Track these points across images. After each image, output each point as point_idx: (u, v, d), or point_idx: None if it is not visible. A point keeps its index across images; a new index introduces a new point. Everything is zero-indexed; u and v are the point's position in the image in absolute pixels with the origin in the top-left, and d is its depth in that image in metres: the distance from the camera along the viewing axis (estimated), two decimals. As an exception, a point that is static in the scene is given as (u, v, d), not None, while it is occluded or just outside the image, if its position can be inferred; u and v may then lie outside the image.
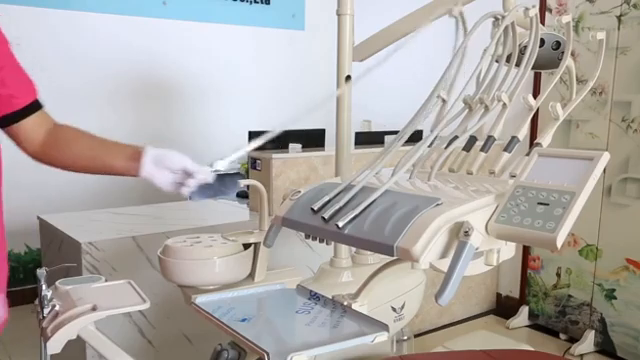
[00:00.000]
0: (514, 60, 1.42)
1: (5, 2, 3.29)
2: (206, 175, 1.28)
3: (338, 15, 1.80)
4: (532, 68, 1.40)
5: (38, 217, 2.49)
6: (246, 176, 3.02)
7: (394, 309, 1.77)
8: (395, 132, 1.50)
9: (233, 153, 1.28)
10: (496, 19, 1.40)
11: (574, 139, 3.06)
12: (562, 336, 3.22)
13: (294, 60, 4.22)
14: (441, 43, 3.68)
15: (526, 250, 3.37)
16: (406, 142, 1.37)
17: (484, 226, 1.04)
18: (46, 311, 1.27)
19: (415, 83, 1.51)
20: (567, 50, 1.44)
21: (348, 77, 1.81)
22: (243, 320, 1.23)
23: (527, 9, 1.39)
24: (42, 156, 1.30)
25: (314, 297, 1.38)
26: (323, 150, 2.88)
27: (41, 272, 1.29)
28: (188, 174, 1.27)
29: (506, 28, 1.41)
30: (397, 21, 1.93)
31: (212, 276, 1.44)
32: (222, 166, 1.27)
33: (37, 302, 1.29)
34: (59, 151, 1.30)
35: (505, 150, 1.35)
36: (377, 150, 1.49)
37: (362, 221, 1.11)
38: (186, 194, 1.29)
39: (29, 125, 1.25)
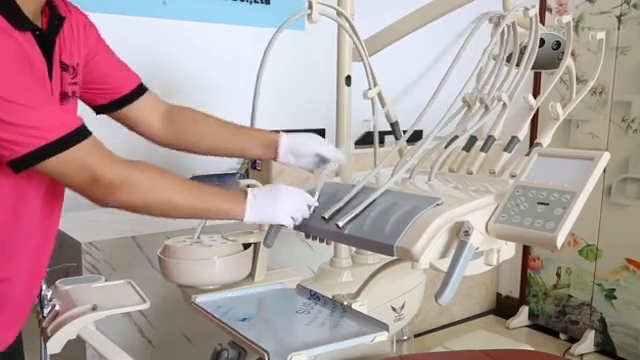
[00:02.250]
0: (514, 60, 1.42)
1: (5, 2, 3.28)
2: (339, 159, 1.32)
3: (338, 15, 1.80)
4: (532, 68, 1.40)
5: (38, 217, 2.49)
6: (246, 176, 3.01)
7: (394, 309, 1.77)
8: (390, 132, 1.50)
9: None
10: (496, 24, 1.40)
11: (574, 139, 3.06)
12: (562, 336, 3.22)
13: (294, 60, 4.22)
14: (441, 43, 3.68)
15: (526, 250, 3.37)
16: (407, 142, 1.37)
17: (484, 226, 1.04)
18: (46, 311, 1.27)
19: (415, 83, 1.51)
20: (567, 50, 1.44)
21: (348, 77, 1.81)
22: (243, 320, 1.23)
23: (527, 9, 1.39)
24: (165, 139, 1.35)
25: (314, 297, 1.38)
26: (323, 150, 2.88)
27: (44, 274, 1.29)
28: (323, 159, 1.31)
29: (506, 28, 1.41)
30: (397, 21, 1.93)
31: (212, 276, 1.44)
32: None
33: (37, 302, 1.29)
34: (183, 132, 1.34)
35: (505, 150, 1.35)
36: (381, 150, 1.49)
37: (362, 221, 1.11)
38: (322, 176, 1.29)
39: (140, 107, 1.29)
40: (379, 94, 1.41)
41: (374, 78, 1.39)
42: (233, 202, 1.14)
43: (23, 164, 0.96)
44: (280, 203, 1.16)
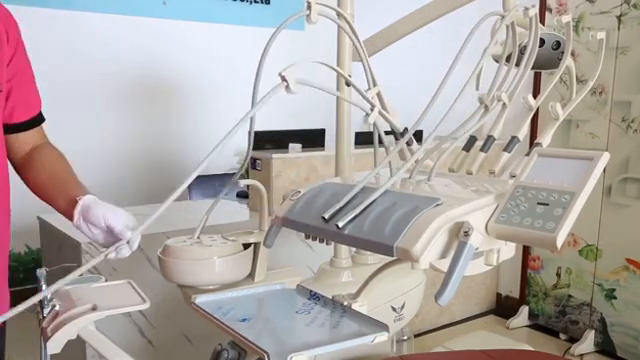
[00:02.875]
0: (514, 60, 1.42)
1: (5, 2, 3.29)
2: (128, 242, 1.16)
3: (338, 15, 1.80)
4: (532, 68, 1.40)
5: (38, 217, 2.49)
6: (246, 176, 3.02)
7: (394, 309, 1.77)
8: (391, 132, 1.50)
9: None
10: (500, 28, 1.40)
11: (574, 139, 3.06)
12: (562, 336, 3.22)
13: (294, 60, 4.21)
14: (441, 44, 3.68)
15: (526, 250, 3.37)
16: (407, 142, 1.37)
17: (484, 226, 1.04)
18: (46, 311, 1.27)
19: (415, 83, 1.52)
20: (567, 50, 1.44)
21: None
22: (243, 320, 1.23)
23: (527, 9, 1.39)
24: (19, 171, 1.31)
25: (314, 297, 1.38)
26: (323, 150, 2.88)
27: (41, 272, 1.29)
28: (113, 234, 1.17)
29: (506, 28, 1.41)
30: (397, 21, 1.93)
31: (212, 276, 1.44)
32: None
33: (37, 302, 1.29)
34: (29, 172, 1.29)
35: (505, 150, 1.35)
36: (381, 150, 1.49)
37: (362, 221, 1.11)
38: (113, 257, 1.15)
39: (21, 139, 1.26)
40: (378, 94, 1.41)
41: (373, 79, 1.38)
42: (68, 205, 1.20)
43: None
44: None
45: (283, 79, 1.15)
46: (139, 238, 1.16)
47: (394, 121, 1.40)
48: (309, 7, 1.27)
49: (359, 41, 1.37)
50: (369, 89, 1.42)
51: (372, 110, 1.32)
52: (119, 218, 1.17)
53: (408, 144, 1.46)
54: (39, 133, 1.32)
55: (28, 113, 1.26)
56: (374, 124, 1.38)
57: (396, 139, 1.46)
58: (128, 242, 1.15)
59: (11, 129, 1.24)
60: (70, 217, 1.19)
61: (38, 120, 1.30)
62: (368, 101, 1.33)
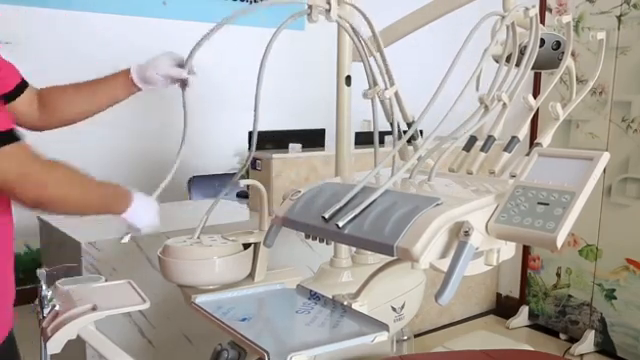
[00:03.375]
0: (514, 60, 1.42)
1: (5, 2, 3.29)
2: (182, 75, 1.40)
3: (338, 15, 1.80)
4: (532, 68, 1.40)
5: (38, 217, 2.49)
6: (246, 176, 3.02)
7: (394, 309, 1.77)
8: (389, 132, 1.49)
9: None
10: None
11: (574, 139, 3.06)
12: (562, 336, 3.22)
13: (294, 60, 4.22)
14: (442, 43, 3.68)
15: (526, 250, 3.37)
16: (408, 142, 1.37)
17: (484, 226, 1.04)
18: (46, 311, 1.27)
19: (416, 82, 1.52)
20: (567, 50, 1.44)
21: (348, 77, 1.81)
22: (243, 320, 1.23)
23: (527, 9, 1.39)
24: (43, 124, 1.37)
25: (314, 297, 1.38)
26: (323, 150, 2.88)
27: (41, 272, 1.29)
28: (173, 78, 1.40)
29: (506, 28, 1.41)
30: (397, 21, 1.93)
31: (212, 276, 1.44)
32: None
33: (37, 302, 1.29)
34: (56, 112, 1.37)
35: (505, 150, 1.35)
36: (381, 150, 1.49)
37: (362, 221, 1.11)
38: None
39: (24, 101, 1.31)
40: (396, 93, 1.40)
41: (390, 77, 1.38)
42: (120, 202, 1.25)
43: None
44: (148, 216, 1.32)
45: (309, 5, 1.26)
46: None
47: (407, 114, 1.40)
48: (310, 6, 1.27)
49: (360, 41, 1.37)
50: (370, 89, 1.42)
51: (370, 88, 1.35)
52: (165, 66, 1.41)
53: (414, 138, 1.46)
54: (34, 89, 1.39)
55: (16, 78, 1.33)
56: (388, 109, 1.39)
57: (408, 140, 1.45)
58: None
59: (16, 92, 1.30)
60: (133, 90, 1.41)
61: (27, 83, 1.37)
62: (389, 76, 1.35)
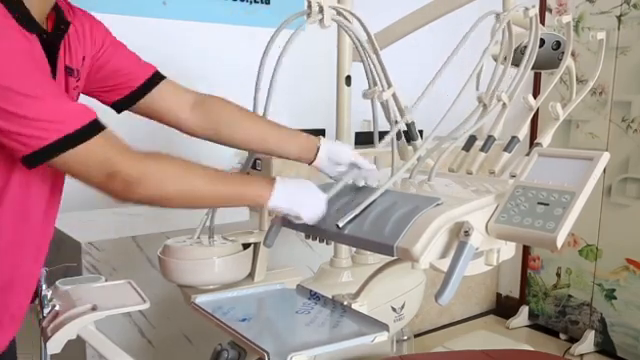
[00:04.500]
0: (509, 60, 1.41)
1: (5, 2, 3.28)
2: (371, 168, 1.27)
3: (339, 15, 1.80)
4: (532, 68, 1.40)
5: (38, 217, 2.48)
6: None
7: (394, 309, 1.77)
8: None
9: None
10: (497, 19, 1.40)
11: (574, 139, 3.06)
12: (562, 336, 3.22)
13: (294, 60, 4.22)
14: (441, 43, 3.68)
15: (526, 250, 3.37)
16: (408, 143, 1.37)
17: (484, 226, 1.04)
18: (46, 311, 1.27)
19: (416, 82, 1.52)
20: (567, 50, 1.44)
21: (348, 77, 1.81)
22: (243, 320, 1.23)
23: (527, 9, 1.39)
24: (199, 129, 1.32)
25: (314, 297, 1.38)
26: (323, 150, 2.88)
27: (41, 272, 1.29)
28: (355, 166, 1.27)
29: (503, 28, 1.41)
30: (397, 21, 1.93)
31: (212, 276, 1.44)
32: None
33: (37, 302, 1.29)
34: (217, 122, 1.30)
35: (505, 150, 1.35)
36: (380, 150, 1.49)
37: (362, 221, 1.11)
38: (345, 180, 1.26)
39: (160, 97, 1.27)
40: (394, 95, 1.40)
41: (388, 80, 1.38)
42: (257, 187, 1.12)
43: (37, 159, 0.92)
44: (310, 197, 1.16)
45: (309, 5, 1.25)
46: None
47: (406, 115, 1.40)
48: (310, 6, 1.27)
49: (360, 41, 1.37)
50: (370, 88, 1.42)
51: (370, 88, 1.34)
52: (359, 157, 1.28)
53: (412, 139, 1.46)
54: (184, 88, 1.34)
55: (150, 69, 1.31)
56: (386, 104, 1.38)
57: (407, 138, 1.45)
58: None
59: (147, 86, 1.28)
60: (303, 161, 1.31)
61: (162, 75, 1.33)
62: (386, 79, 1.34)
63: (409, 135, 1.46)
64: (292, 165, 2.72)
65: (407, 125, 1.42)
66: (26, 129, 0.90)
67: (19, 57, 0.91)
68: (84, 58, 1.16)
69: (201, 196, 1.07)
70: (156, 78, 1.31)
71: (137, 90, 1.27)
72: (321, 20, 1.28)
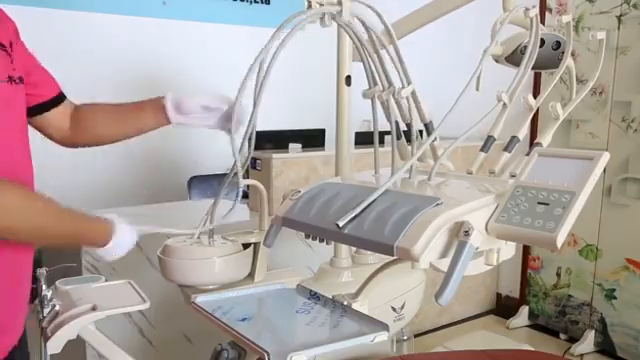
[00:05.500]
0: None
1: (5, 2, 3.29)
2: (222, 102, 1.28)
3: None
4: (533, 68, 1.40)
5: (38, 217, 2.48)
6: (246, 176, 3.02)
7: (394, 309, 1.77)
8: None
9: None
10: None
11: (574, 139, 3.06)
12: (562, 336, 3.22)
13: (294, 60, 4.22)
14: (440, 44, 3.67)
15: (526, 250, 3.37)
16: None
17: (484, 226, 1.04)
18: (46, 311, 1.27)
19: (416, 82, 1.52)
20: (567, 50, 1.44)
21: (348, 77, 1.81)
22: (243, 320, 1.23)
23: (527, 9, 1.39)
24: (72, 140, 1.35)
25: (314, 297, 1.38)
26: (323, 150, 2.88)
27: (41, 272, 1.29)
28: (211, 109, 1.28)
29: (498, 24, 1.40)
30: (397, 21, 1.93)
31: (212, 276, 1.44)
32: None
33: (37, 302, 1.29)
34: (85, 131, 1.34)
35: (505, 150, 1.35)
36: (382, 150, 1.49)
37: (362, 221, 1.11)
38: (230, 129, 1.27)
39: (58, 114, 1.27)
40: (412, 92, 1.38)
41: (407, 77, 1.36)
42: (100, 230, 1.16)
43: None
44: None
45: (309, 6, 1.23)
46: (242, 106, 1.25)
47: (426, 115, 1.39)
48: (309, 6, 1.27)
49: (361, 42, 1.37)
50: (370, 88, 1.42)
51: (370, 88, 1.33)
52: (207, 95, 1.27)
53: (409, 140, 1.45)
54: (71, 104, 1.36)
55: (56, 87, 1.30)
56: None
57: (408, 140, 1.45)
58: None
59: (52, 104, 1.28)
60: (163, 122, 1.28)
61: (64, 96, 1.33)
62: (405, 75, 1.34)
63: (427, 132, 1.45)
64: (292, 165, 2.73)
65: (426, 125, 1.42)
66: None
67: None
68: (7, 36, 1.14)
69: (43, 234, 1.06)
70: (61, 98, 1.31)
71: (40, 105, 1.26)
72: (339, 12, 1.27)
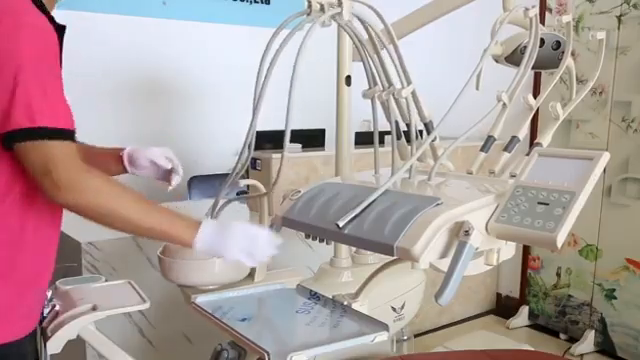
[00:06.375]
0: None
1: (5, 2, 3.28)
2: (166, 167, 1.38)
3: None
4: (533, 68, 1.40)
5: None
6: (246, 176, 3.02)
7: (394, 309, 1.77)
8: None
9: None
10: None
11: (574, 139, 3.06)
12: (562, 336, 3.22)
13: (294, 60, 4.21)
14: (440, 44, 3.67)
15: (526, 250, 3.37)
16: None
17: (484, 226, 1.04)
18: (46, 311, 1.27)
19: (416, 82, 1.52)
20: (567, 50, 1.44)
21: (348, 77, 1.81)
22: (243, 320, 1.23)
23: (527, 9, 1.39)
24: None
25: (314, 297, 1.38)
26: (323, 150, 2.88)
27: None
28: (158, 165, 1.38)
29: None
30: (397, 21, 1.93)
31: (212, 276, 1.44)
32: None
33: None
34: None
35: (505, 150, 1.35)
36: (381, 150, 1.49)
37: (362, 221, 1.11)
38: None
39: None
40: (413, 92, 1.38)
41: (407, 77, 1.36)
42: (184, 227, 1.13)
43: (17, 137, 0.99)
44: (230, 240, 1.14)
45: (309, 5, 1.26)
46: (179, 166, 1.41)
47: (426, 115, 1.39)
48: (309, 6, 1.27)
49: (361, 41, 1.37)
50: (370, 88, 1.42)
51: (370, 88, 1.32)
52: (156, 153, 1.38)
53: (408, 139, 1.45)
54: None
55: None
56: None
57: (408, 140, 1.45)
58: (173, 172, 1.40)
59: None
60: (122, 171, 1.38)
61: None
62: (405, 75, 1.33)
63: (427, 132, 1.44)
64: (292, 165, 2.72)
65: (425, 125, 1.42)
66: (39, 103, 0.98)
67: (51, 50, 1.02)
68: None
69: (124, 220, 1.08)
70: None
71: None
72: (339, 14, 1.28)
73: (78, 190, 1.02)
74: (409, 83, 1.35)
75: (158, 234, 1.13)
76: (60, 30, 1.10)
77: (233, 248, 1.14)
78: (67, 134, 1.04)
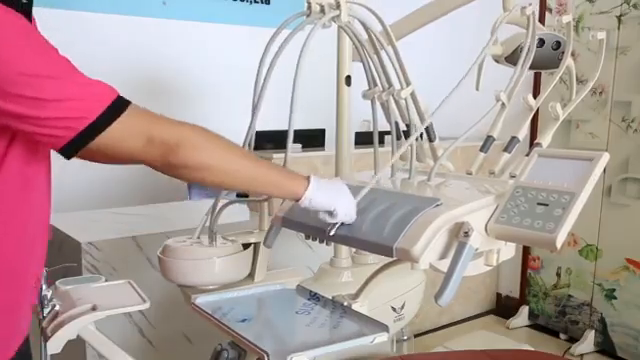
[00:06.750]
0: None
1: (5, 2, 3.28)
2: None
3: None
4: (533, 68, 1.40)
5: (38, 217, 2.48)
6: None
7: (394, 309, 1.77)
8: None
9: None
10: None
11: (574, 139, 3.06)
12: (562, 336, 3.22)
13: (294, 60, 4.21)
14: (440, 44, 3.67)
15: (526, 250, 3.37)
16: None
17: (484, 226, 1.04)
18: (46, 311, 1.27)
19: (415, 82, 1.52)
20: (567, 50, 1.44)
21: (348, 77, 1.81)
22: (243, 320, 1.23)
23: (524, 7, 1.39)
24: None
25: (314, 297, 1.38)
26: (323, 150, 2.88)
27: (41, 272, 1.29)
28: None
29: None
30: (397, 21, 1.93)
31: (212, 276, 1.44)
32: None
33: (37, 302, 1.29)
34: None
35: (505, 150, 1.35)
36: (381, 150, 1.49)
37: (361, 222, 1.11)
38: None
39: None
40: (412, 93, 1.38)
41: (406, 78, 1.36)
42: (294, 180, 1.10)
43: (76, 144, 0.89)
44: (342, 197, 1.11)
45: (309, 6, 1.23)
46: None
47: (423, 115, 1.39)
48: (309, 7, 1.27)
49: (360, 41, 1.37)
50: (370, 89, 1.42)
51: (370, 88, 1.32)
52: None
53: (431, 140, 1.45)
54: None
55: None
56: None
57: (406, 138, 1.45)
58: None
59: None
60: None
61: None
62: (404, 76, 1.33)
63: (429, 136, 1.45)
64: (292, 164, 2.72)
65: (407, 125, 1.42)
66: (56, 112, 0.86)
67: (25, 35, 0.85)
68: None
69: (236, 174, 1.03)
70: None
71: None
72: (309, 16, 1.28)
73: (187, 146, 0.95)
74: (408, 84, 1.35)
75: (269, 188, 1.09)
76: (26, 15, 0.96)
77: (340, 208, 1.10)
78: (121, 102, 0.93)
